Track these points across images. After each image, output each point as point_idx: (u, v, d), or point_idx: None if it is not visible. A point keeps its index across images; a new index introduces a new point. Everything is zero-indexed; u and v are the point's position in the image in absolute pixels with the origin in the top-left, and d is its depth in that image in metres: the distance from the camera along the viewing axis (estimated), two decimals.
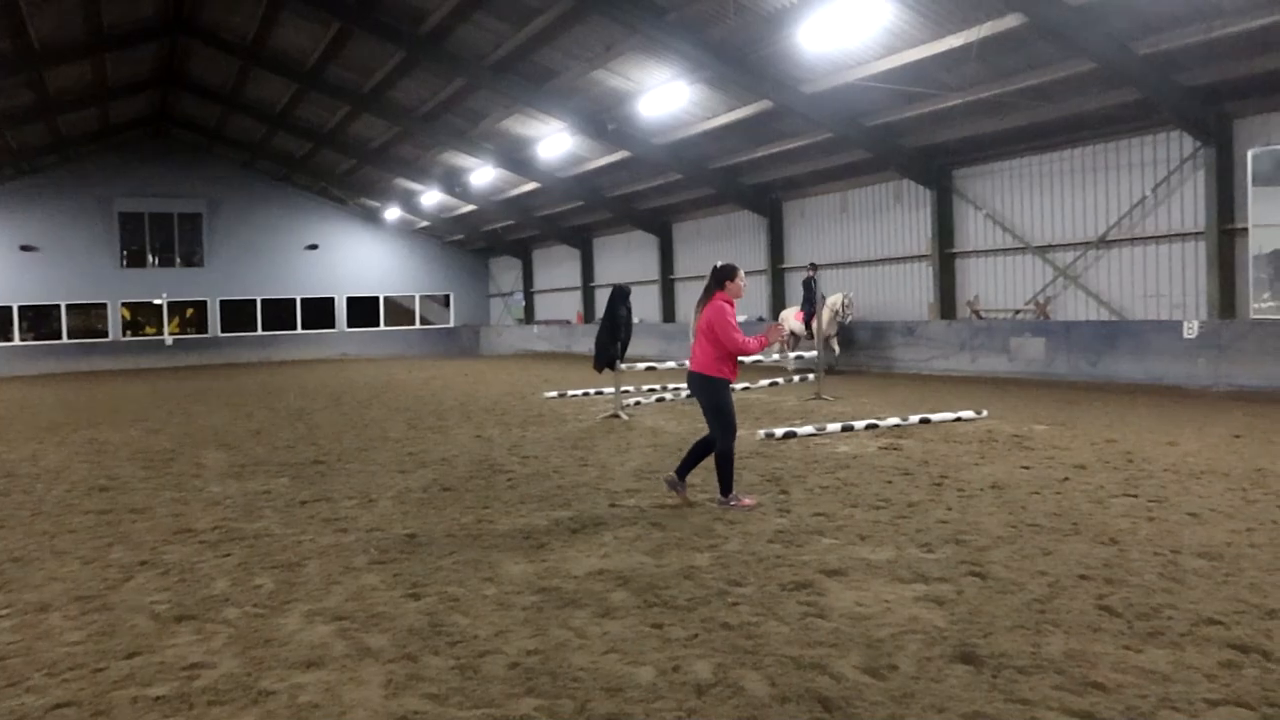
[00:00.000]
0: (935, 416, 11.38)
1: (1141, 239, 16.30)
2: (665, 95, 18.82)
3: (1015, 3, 13.08)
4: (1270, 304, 14.28)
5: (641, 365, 13.67)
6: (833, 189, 22.76)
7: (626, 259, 31.65)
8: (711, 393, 6.95)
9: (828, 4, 13.77)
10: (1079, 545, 5.58)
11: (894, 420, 11.08)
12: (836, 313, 19.12)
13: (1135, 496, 6.88)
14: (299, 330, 37.73)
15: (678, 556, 5.60)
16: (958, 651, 3.94)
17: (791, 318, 20.61)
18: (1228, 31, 12.80)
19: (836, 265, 22.58)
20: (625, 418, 12.59)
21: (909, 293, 21.01)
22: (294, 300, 37.67)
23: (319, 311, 38.19)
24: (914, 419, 11.23)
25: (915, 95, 16.80)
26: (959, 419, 11.38)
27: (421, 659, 4.07)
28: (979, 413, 11.64)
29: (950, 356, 18.26)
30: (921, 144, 19.12)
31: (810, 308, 19.44)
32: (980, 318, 18.85)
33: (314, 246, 37.75)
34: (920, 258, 20.60)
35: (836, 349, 19.47)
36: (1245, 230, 14.61)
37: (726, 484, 6.97)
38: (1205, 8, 12.67)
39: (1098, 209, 17.00)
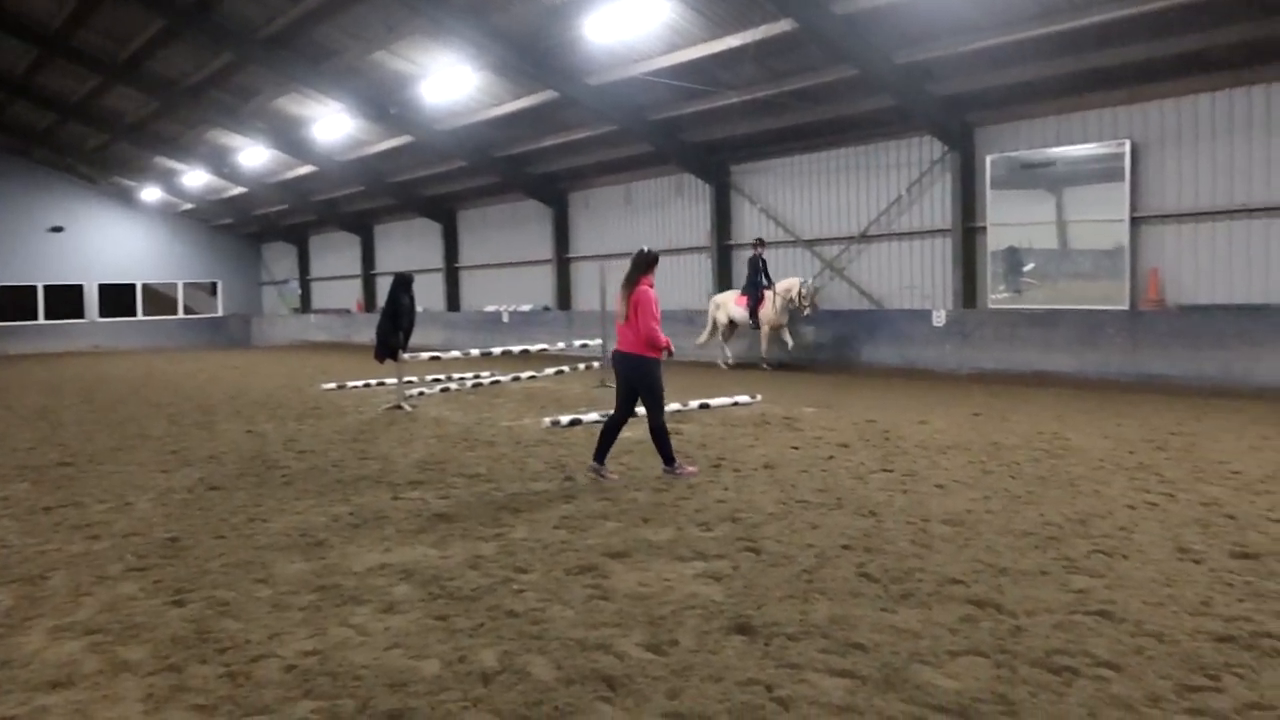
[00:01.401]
0: (714, 401, 11.86)
1: (897, 235, 17.62)
2: (449, 80, 18.47)
3: (788, 8, 13.76)
4: (1004, 295, 15.87)
5: (425, 355, 13.39)
6: (617, 181, 23.14)
7: (409, 246, 30.84)
8: (643, 372, 7.36)
9: None
10: (842, 518, 5.99)
11: (675, 406, 11.43)
12: (791, 300, 16.94)
13: (891, 471, 7.47)
14: (41, 320, 34.18)
15: (463, 547, 5.55)
16: (734, 623, 4.14)
17: (731, 302, 18.05)
18: (973, 47, 14.05)
19: (621, 255, 22.90)
20: (409, 409, 12.30)
21: (690, 283, 21.71)
22: (35, 288, 34.10)
23: (65, 300, 34.73)
24: (694, 404, 11.64)
25: (695, 92, 17.35)
26: (735, 403, 11.91)
27: (187, 669, 3.83)
28: (753, 397, 12.23)
29: (729, 344, 19.03)
30: (701, 140, 19.79)
31: (755, 291, 17.55)
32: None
33: (59, 229, 34.31)
34: (700, 249, 21.34)
35: (789, 340, 17.38)
36: (985, 228, 16.13)
37: (668, 455, 7.46)
38: (956, 24, 13.83)
39: (859, 206, 18.23)
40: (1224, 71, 13.40)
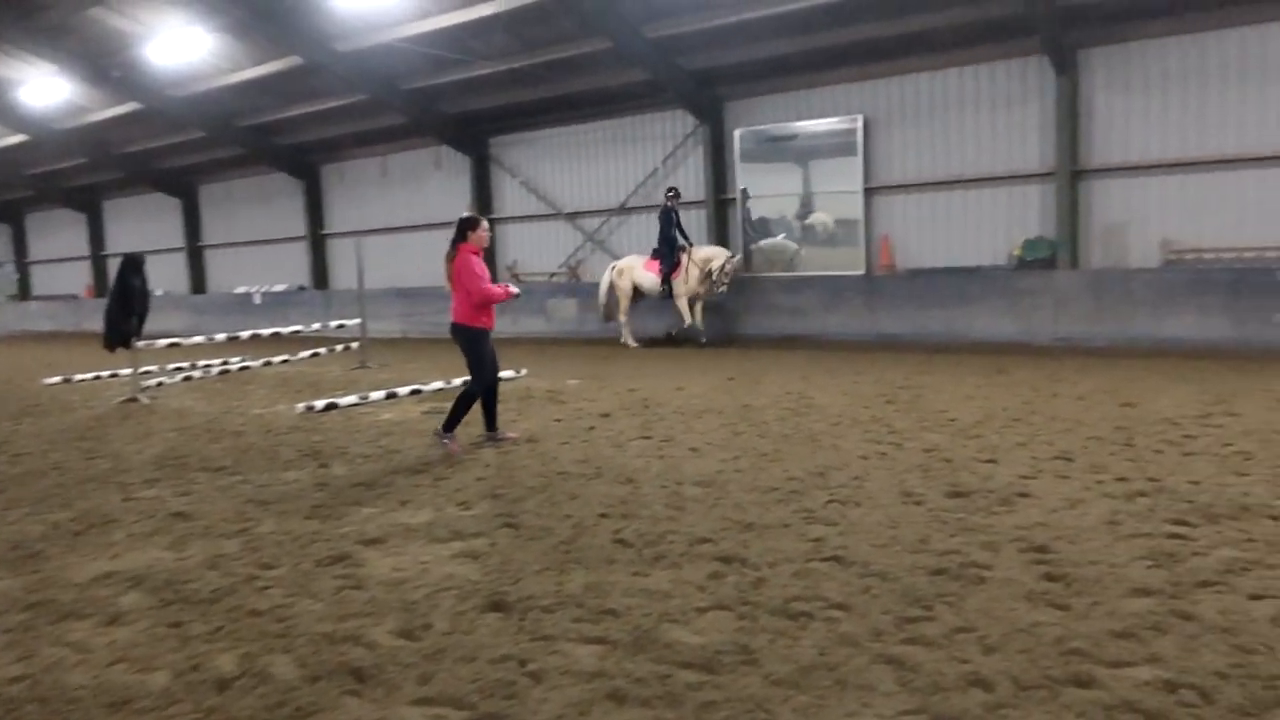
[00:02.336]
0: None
1: (654, 207, 18.04)
2: (180, 42, 17.06)
3: None
4: (756, 263, 16.69)
5: (164, 342, 12.35)
6: (373, 153, 22.30)
7: (145, 225, 28.34)
8: (470, 341, 7.35)
9: None
10: (601, 487, 6.10)
11: (438, 384, 11.21)
12: (711, 274, 15.18)
13: (649, 438, 7.68)
14: None
15: (202, 546, 5.19)
16: (489, 601, 4.12)
17: (639, 267, 15.93)
18: (719, 22, 14.58)
19: (379, 231, 22.10)
20: (146, 401, 11.34)
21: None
22: None
23: None
24: (457, 382, 11.44)
25: (449, 61, 16.97)
26: (499, 379, 11.82)
27: None
28: (518, 372, 12.20)
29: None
30: (459, 111, 19.40)
31: (671, 252, 15.35)
32: (520, 281, 19.69)
33: None
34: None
35: (695, 318, 15.55)
36: (734, 200, 16.86)
37: (452, 423, 7.38)
38: (704, 1, 14.30)
39: (618, 178, 18.54)
40: (943, 52, 14.64)
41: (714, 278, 15.22)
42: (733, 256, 15.53)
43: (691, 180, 17.49)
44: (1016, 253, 14.45)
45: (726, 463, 6.65)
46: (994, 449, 6.77)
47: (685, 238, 15.70)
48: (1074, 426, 7.47)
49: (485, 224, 7.57)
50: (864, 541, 4.74)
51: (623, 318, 16.06)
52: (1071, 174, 13.95)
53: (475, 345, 7.37)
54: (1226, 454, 6.33)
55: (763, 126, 16.50)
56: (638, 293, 15.90)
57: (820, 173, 16.03)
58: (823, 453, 6.88)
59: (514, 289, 7.56)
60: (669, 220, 15.54)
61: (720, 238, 16.99)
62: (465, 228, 7.37)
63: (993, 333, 13.71)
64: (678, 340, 15.87)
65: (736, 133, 16.67)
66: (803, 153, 16.17)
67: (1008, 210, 14.71)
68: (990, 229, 14.83)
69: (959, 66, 14.74)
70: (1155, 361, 11.34)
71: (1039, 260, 14.18)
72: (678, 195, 15.72)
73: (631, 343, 15.95)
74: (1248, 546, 4.42)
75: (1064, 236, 14.00)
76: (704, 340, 15.43)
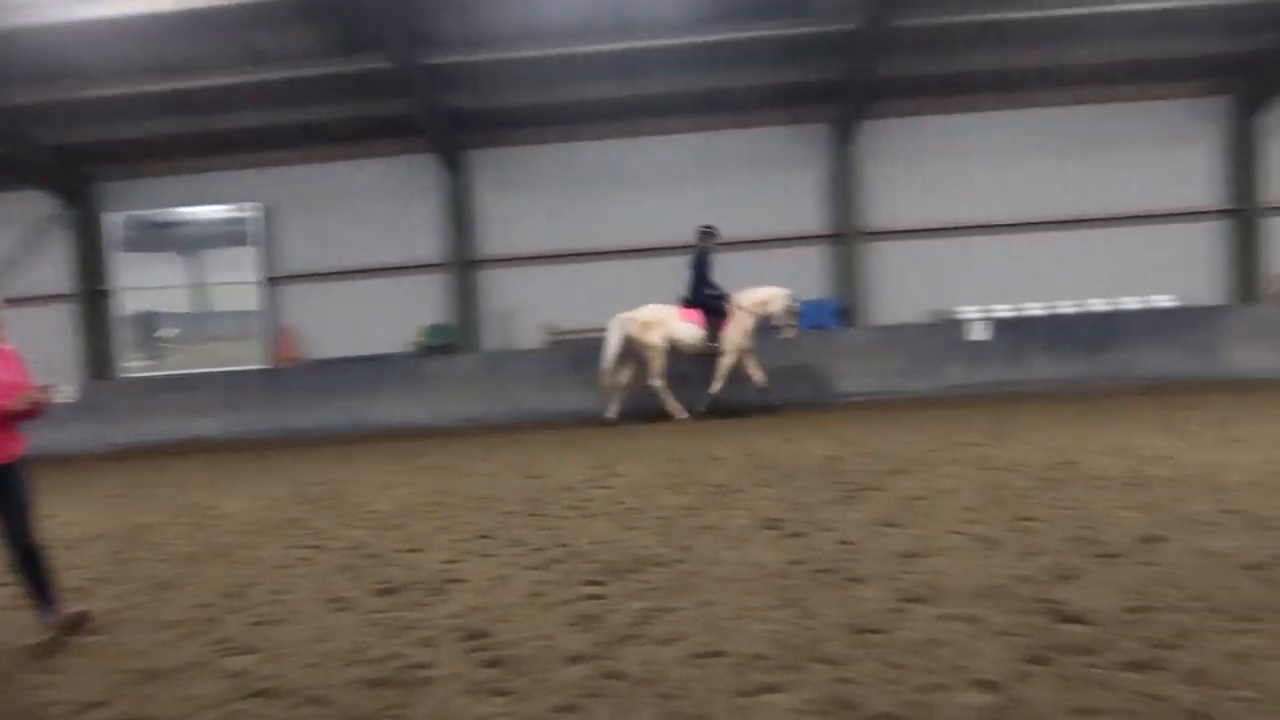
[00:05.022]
0: None
1: (19, 300, 15.28)
2: None
3: None
4: (141, 362, 14.91)
5: None
6: None
7: None
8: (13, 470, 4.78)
9: None
10: None
11: None
12: (771, 316, 12.87)
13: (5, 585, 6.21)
14: None
15: None
16: None
17: (674, 318, 12.97)
18: (90, 95, 12.91)
19: None
20: None
21: None
22: None
23: None
24: None
25: None
26: None
27: None
28: None
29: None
30: None
31: (716, 302, 12.69)
32: None
33: None
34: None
35: (756, 374, 12.98)
36: (113, 292, 14.96)
37: (50, 590, 4.87)
38: (64, 68, 12.54)
39: None
40: (344, 144, 14.76)
41: (775, 322, 13.14)
42: (792, 293, 13.32)
43: (56, 270, 15.13)
44: (419, 339, 14.95)
45: (118, 600, 5.62)
46: (419, 537, 6.70)
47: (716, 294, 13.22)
48: (490, 503, 7.75)
49: (3, 301, 5.09)
50: (294, 664, 4.27)
51: (658, 382, 13.03)
52: (465, 264, 14.91)
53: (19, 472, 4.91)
54: (618, 511, 7.05)
55: (145, 212, 14.96)
56: (671, 348, 13.05)
57: (213, 262, 14.98)
58: (237, 569, 6.18)
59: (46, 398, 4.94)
60: (705, 263, 13.17)
61: (95, 336, 14.90)
62: None
63: (403, 419, 13.91)
64: (762, 408, 13.11)
65: (113, 217, 14.86)
66: (192, 241, 14.99)
67: (409, 299, 15.22)
68: (394, 317, 15.19)
69: (358, 159, 15.02)
70: (549, 433, 12.45)
71: (441, 345, 14.83)
72: (714, 235, 13.36)
73: (676, 409, 12.99)
74: (650, 596, 4.88)
75: (462, 322, 14.85)
76: (703, 409, 13.17)
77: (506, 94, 14.28)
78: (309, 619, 4.95)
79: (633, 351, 12.98)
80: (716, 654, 3.95)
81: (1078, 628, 3.94)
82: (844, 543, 5.58)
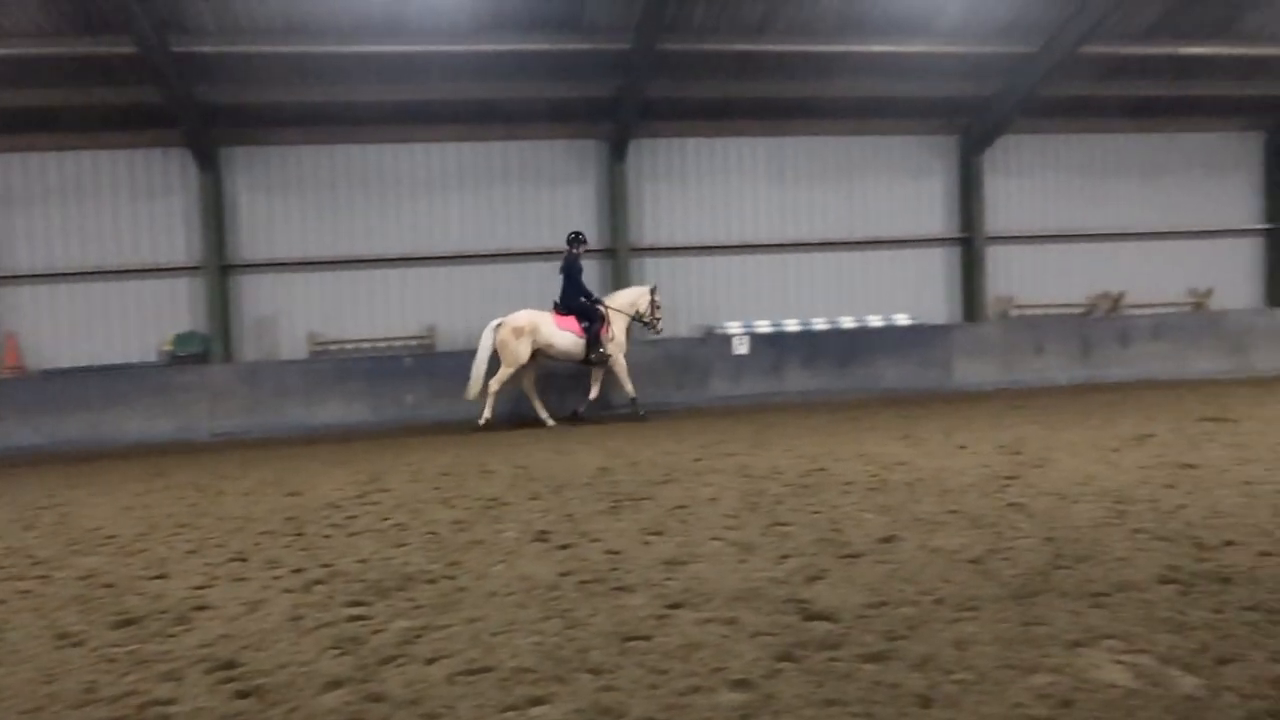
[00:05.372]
0: None
1: None
2: None
3: None
4: None
5: None
6: None
7: None
8: None
9: None
10: None
11: None
12: (640, 314, 13.33)
13: None
14: None
15: None
16: None
17: (549, 322, 12.90)
18: None
19: None
20: None
21: None
22: None
23: None
24: None
25: None
26: None
27: None
28: None
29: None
30: None
31: (591, 308, 12.90)
32: None
33: None
34: None
35: (597, 390, 13.61)
36: None
37: None
38: None
39: None
40: (80, 132, 13.43)
41: (646, 316, 13.52)
42: (653, 286, 13.89)
43: None
44: (168, 347, 13.90)
45: None
46: (162, 562, 6.22)
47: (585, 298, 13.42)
48: (244, 524, 7.32)
49: None
50: (12, 711, 3.84)
51: (495, 386, 12.82)
52: (221, 268, 14.00)
53: None
54: (385, 528, 6.85)
55: None
56: (535, 357, 13.06)
57: None
58: None
59: None
60: (577, 269, 13.33)
61: None
62: None
63: (148, 433, 12.87)
64: (636, 416, 13.57)
65: None
66: None
67: (156, 304, 14.09)
68: (138, 323, 14.03)
69: (98, 150, 13.73)
70: (311, 448, 11.90)
71: (192, 355, 13.85)
72: (583, 241, 13.55)
73: (548, 420, 13.17)
74: (417, 614, 4.78)
75: (216, 330, 13.93)
76: (644, 413, 13.67)
77: (268, 90, 13.56)
78: (31, 659, 4.48)
79: (537, 353, 13.13)
80: (483, 670, 3.93)
81: (823, 625, 4.22)
82: (611, 552, 5.70)
